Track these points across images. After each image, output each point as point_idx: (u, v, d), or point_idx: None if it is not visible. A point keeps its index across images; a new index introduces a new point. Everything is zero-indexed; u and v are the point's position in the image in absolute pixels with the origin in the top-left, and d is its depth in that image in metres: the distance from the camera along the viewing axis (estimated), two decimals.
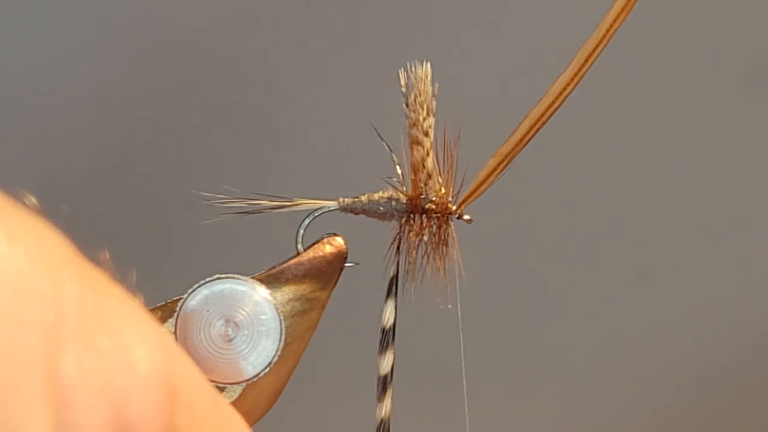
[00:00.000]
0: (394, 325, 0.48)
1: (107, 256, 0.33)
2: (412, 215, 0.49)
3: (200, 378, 0.32)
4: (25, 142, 1.00)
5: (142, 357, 0.29)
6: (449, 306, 0.48)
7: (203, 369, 0.45)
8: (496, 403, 1.03)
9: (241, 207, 0.49)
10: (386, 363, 0.48)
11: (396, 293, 0.48)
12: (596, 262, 1.03)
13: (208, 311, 0.46)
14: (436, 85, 0.47)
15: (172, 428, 0.29)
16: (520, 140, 0.48)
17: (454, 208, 0.49)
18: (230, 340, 0.46)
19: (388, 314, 0.48)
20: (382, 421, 0.47)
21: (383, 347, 0.48)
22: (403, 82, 0.47)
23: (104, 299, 0.29)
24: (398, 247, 0.49)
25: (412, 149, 0.48)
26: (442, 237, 0.49)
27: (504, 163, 0.48)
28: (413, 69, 0.47)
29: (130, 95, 0.99)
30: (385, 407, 0.47)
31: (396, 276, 0.48)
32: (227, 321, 0.46)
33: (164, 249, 0.99)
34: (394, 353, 0.48)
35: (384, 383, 0.48)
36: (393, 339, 0.48)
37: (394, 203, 0.49)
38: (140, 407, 0.29)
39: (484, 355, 1.02)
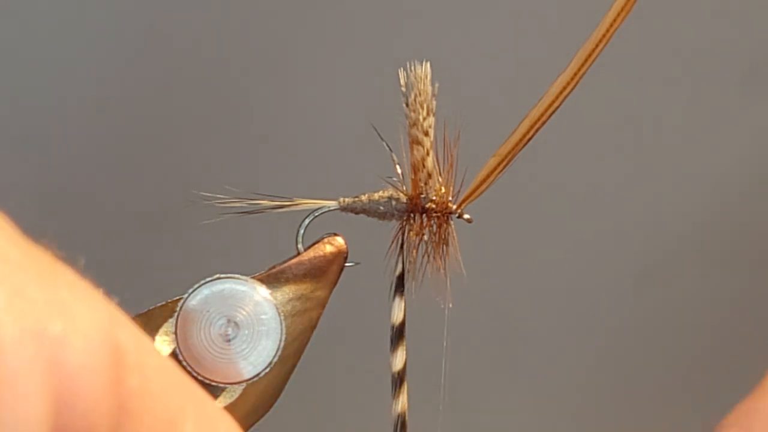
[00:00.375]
0: (403, 322, 0.48)
1: (51, 245, 0.32)
2: (412, 215, 0.49)
3: (157, 352, 0.32)
4: (25, 143, 1.00)
5: (82, 314, 0.29)
6: (449, 305, 0.48)
7: (203, 369, 0.45)
8: (494, 402, 1.03)
9: (241, 207, 0.49)
10: (398, 360, 0.48)
11: (404, 291, 0.48)
12: (596, 262, 1.03)
13: (208, 311, 0.46)
14: (436, 85, 0.47)
15: (122, 387, 0.29)
16: (520, 140, 0.48)
17: (455, 207, 0.49)
18: (230, 340, 0.46)
19: (397, 312, 0.48)
20: (399, 416, 0.48)
21: (394, 345, 0.48)
22: (403, 82, 0.47)
23: (39, 261, 0.29)
24: (402, 246, 0.49)
25: (412, 149, 0.48)
26: (443, 236, 0.49)
27: (504, 163, 0.48)
28: (413, 68, 0.47)
29: (130, 95, 0.99)
30: (401, 403, 0.48)
31: (403, 274, 0.49)
32: (228, 321, 0.46)
33: (164, 249, 0.99)
34: (406, 350, 0.48)
35: (398, 380, 0.48)
36: (403, 336, 0.48)
37: (394, 203, 0.49)
38: (80, 358, 0.28)
39: (483, 355, 1.02)
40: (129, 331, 0.30)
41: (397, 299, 0.48)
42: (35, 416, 0.27)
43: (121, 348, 0.29)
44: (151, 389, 0.30)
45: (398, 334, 0.48)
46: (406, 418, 0.47)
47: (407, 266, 0.49)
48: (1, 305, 0.27)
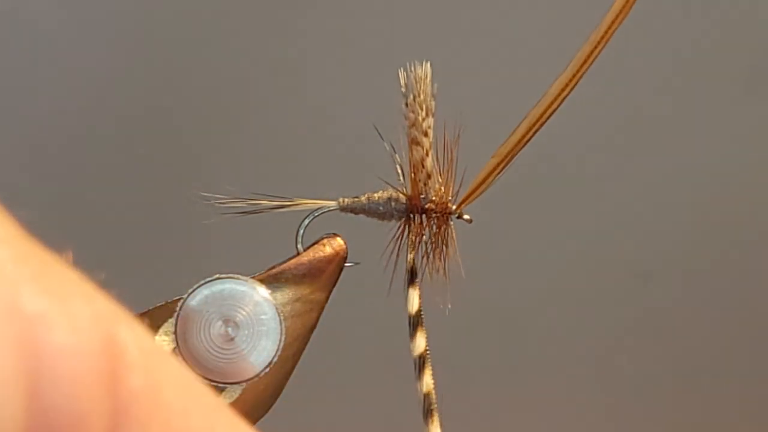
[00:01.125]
0: (419, 310, 0.48)
1: (67, 255, 0.31)
2: (411, 215, 0.49)
3: (178, 365, 0.29)
4: (26, 143, 1.00)
5: (73, 299, 0.26)
6: (449, 305, 0.48)
7: (203, 369, 0.45)
8: (494, 401, 1.03)
9: (241, 207, 0.49)
10: (419, 344, 0.48)
11: (416, 281, 0.49)
12: (595, 262, 1.03)
13: (208, 311, 0.46)
14: (436, 86, 0.47)
15: (120, 385, 0.27)
16: (520, 140, 0.48)
17: (454, 207, 0.49)
18: (230, 340, 0.46)
19: (411, 301, 0.48)
20: (425, 396, 0.47)
21: (413, 331, 0.48)
22: (402, 82, 0.47)
23: (33, 250, 0.27)
24: (411, 241, 0.49)
25: (411, 149, 0.48)
26: (442, 236, 0.49)
27: (503, 163, 0.48)
28: (413, 69, 0.47)
29: (131, 95, 0.99)
30: (426, 383, 0.47)
31: (414, 266, 0.49)
32: (227, 321, 0.46)
33: (164, 249, 0.99)
34: (426, 334, 0.48)
35: (421, 362, 0.48)
36: (421, 323, 0.48)
37: (393, 203, 0.49)
38: (62, 339, 0.25)
39: (482, 355, 1.02)
40: (134, 330, 0.27)
41: (411, 290, 0.48)
42: (3, 394, 0.25)
43: (119, 342, 0.27)
44: (164, 400, 0.27)
45: (416, 321, 0.48)
46: (433, 397, 0.47)
47: (419, 259, 0.49)
48: None
